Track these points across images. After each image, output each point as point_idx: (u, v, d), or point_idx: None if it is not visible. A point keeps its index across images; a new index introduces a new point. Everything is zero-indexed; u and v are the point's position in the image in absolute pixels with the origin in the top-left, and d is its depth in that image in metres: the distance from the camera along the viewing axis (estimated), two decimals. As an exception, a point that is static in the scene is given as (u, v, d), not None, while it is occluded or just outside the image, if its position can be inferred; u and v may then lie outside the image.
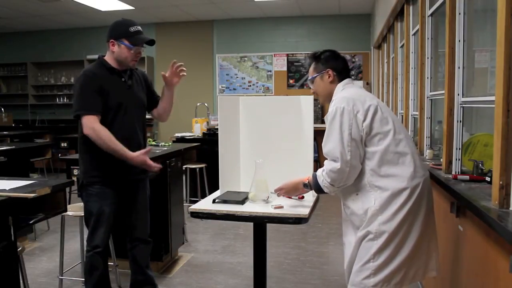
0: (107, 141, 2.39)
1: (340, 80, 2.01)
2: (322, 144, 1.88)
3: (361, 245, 1.85)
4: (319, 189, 1.92)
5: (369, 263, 1.81)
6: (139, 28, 2.53)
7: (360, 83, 7.59)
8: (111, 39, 2.50)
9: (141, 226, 2.74)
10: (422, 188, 1.82)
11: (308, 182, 1.97)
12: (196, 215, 2.08)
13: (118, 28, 2.51)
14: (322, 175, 1.87)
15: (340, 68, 2.02)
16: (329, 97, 2.02)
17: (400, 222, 1.78)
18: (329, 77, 2.01)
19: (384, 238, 1.78)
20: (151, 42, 2.54)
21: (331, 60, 2.03)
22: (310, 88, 2.11)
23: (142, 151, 2.48)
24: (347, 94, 1.89)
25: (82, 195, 2.61)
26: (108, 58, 2.55)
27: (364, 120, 1.81)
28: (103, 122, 2.47)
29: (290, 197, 2.25)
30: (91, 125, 2.39)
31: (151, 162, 2.51)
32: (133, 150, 2.50)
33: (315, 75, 2.04)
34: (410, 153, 1.83)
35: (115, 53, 2.50)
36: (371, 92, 7.58)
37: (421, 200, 1.82)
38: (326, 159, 1.88)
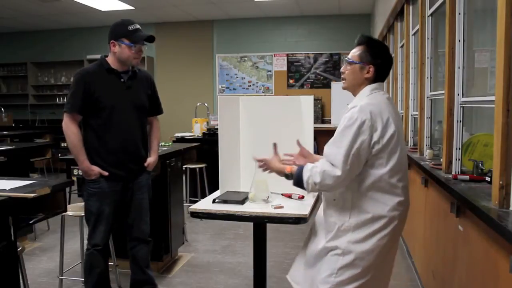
0: (70, 142, 2.51)
1: (374, 80, 1.87)
2: (327, 144, 1.79)
3: (327, 256, 1.83)
4: (299, 182, 1.84)
5: (331, 277, 1.79)
6: (138, 26, 2.56)
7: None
8: (111, 40, 2.54)
9: (140, 226, 2.75)
10: (398, 221, 1.79)
11: (291, 173, 1.90)
12: (196, 215, 2.08)
13: (117, 28, 2.54)
14: (310, 171, 1.78)
15: (383, 69, 1.89)
16: (354, 88, 1.90)
17: (369, 248, 1.75)
18: (368, 72, 1.85)
19: (350, 258, 1.77)
20: (150, 39, 2.57)
21: (382, 57, 1.87)
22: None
23: (96, 170, 2.52)
24: (373, 107, 1.75)
25: (83, 194, 2.64)
26: (110, 59, 2.58)
27: (377, 142, 1.72)
28: (97, 122, 2.51)
29: (290, 197, 2.25)
30: (66, 123, 2.52)
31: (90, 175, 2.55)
32: (130, 152, 2.62)
33: (358, 62, 1.86)
34: (401, 187, 1.78)
35: (116, 53, 2.53)
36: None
37: (393, 232, 1.79)
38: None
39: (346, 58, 1.92)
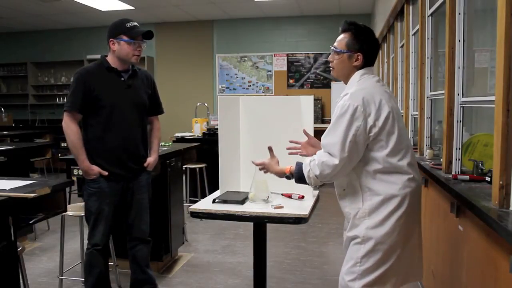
0: (70, 141, 2.51)
1: (363, 66, 1.86)
2: (324, 134, 1.81)
3: (350, 246, 1.84)
4: (300, 179, 1.86)
5: (355, 267, 1.79)
6: (136, 23, 2.58)
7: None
8: (110, 39, 2.55)
9: (140, 225, 2.75)
10: (411, 197, 1.79)
11: (290, 172, 1.92)
12: (196, 215, 2.08)
13: (115, 26, 2.56)
14: (309, 165, 1.80)
15: (371, 54, 1.87)
16: (344, 77, 1.90)
17: (389, 230, 1.75)
18: (356, 60, 1.84)
19: (371, 244, 1.76)
20: (149, 34, 2.58)
21: (368, 43, 1.85)
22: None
23: (96, 169, 2.53)
24: (363, 92, 1.76)
25: (83, 194, 2.64)
26: (109, 58, 2.59)
27: (373, 126, 1.73)
28: (97, 121, 2.52)
29: (290, 196, 2.25)
30: (66, 122, 2.52)
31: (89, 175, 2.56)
32: (130, 151, 2.62)
33: (346, 51, 1.84)
34: (407, 164, 1.78)
35: (116, 51, 2.54)
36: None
37: (409, 209, 1.79)
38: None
39: (333, 48, 1.89)
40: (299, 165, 1.86)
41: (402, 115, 4.42)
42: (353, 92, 1.77)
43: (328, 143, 1.77)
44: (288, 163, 2.12)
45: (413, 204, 1.81)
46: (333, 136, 1.75)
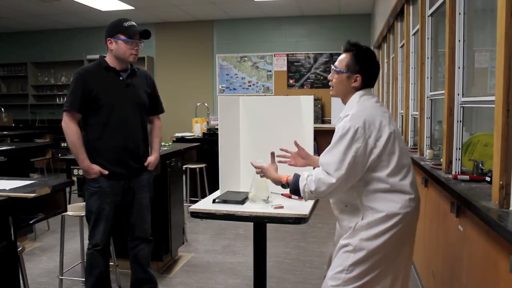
0: (70, 141, 2.52)
1: (362, 88, 1.89)
2: (323, 153, 1.82)
3: (339, 253, 1.84)
4: (295, 191, 1.87)
5: (342, 273, 1.80)
6: (133, 23, 2.59)
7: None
8: (108, 38, 2.56)
9: (141, 225, 2.75)
10: (411, 216, 1.80)
11: (287, 182, 1.93)
12: (196, 215, 2.08)
13: (113, 26, 2.57)
14: (306, 179, 1.81)
15: (371, 77, 1.90)
16: (342, 97, 1.93)
17: (382, 244, 1.76)
18: (355, 81, 1.87)
19: (362, 255, 1.77)
20: (146, 33, 2.58)
21: (369, 66, 1.89)
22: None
23: (96, 168, 2.53)
24: (364, 114, 1.77)
25: (84, 193, 2.65)
26: (108, 58, 2.60)
27: (374, 147, 1.74)
28: (97, 120, 2.53)
29: (290, 197, 2.26)
30: (66, 121, 2.53)
31: (90, 175, 2.56)
32: (130, 150, 2.62)
33: (345, 71, 1.88)
34: (409, 183, 1.79)
35: (113, 50, 2.55)
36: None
37: (406, 228, 1.80)
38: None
39: (333, 67, 1.93)
40: (296, 177, 1.88)
41: (402, 115, 4.44)
42: (354, 114, 1.79)
43: (326, 162, 1.78)
44: (286, 164, 2.13)
45: (411, 223, 1.83)
46: (332, 156, 1.76)
